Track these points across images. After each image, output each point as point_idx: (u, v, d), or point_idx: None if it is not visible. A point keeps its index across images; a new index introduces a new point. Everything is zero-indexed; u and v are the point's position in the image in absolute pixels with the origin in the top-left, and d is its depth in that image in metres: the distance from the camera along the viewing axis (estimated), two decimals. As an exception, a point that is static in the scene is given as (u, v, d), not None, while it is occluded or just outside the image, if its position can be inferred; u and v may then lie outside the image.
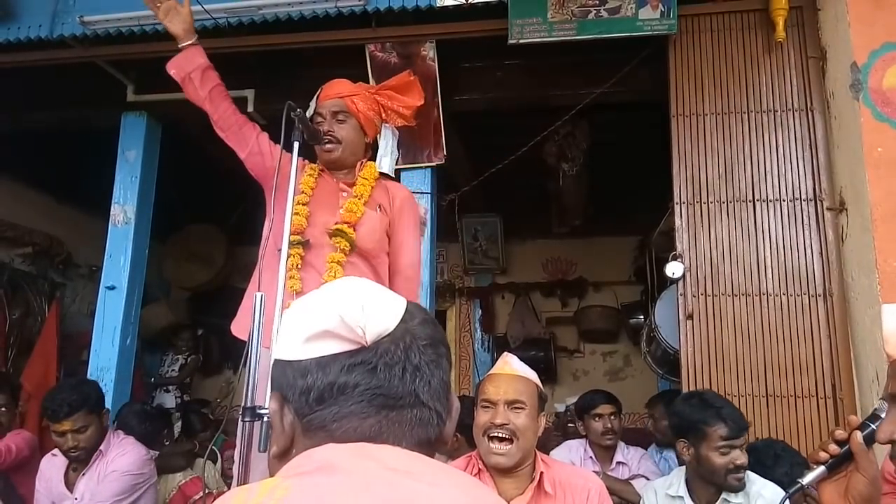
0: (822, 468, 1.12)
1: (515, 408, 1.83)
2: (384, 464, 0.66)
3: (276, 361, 0.79)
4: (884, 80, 2.79)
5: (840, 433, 1.11)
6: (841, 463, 1.10)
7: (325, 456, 0.67)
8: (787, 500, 1.19)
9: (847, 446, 1.09)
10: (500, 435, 1.81)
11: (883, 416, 1.08)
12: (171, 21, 2.31)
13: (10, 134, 4.30)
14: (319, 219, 2.18)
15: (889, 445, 1.07)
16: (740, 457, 2.17)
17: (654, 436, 3.76)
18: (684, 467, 2.39)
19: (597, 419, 3.34)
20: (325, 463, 0.66)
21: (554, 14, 3.02)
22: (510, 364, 1.94)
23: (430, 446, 0.75)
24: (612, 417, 3.34)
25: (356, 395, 0.72)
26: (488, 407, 1.86)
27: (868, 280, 2.67)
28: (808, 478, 1.14)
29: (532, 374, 1.93)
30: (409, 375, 0.74)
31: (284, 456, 0.75)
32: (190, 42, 2.30)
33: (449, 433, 0.79)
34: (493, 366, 5.79)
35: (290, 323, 0.79)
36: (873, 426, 1.08)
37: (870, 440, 1.08)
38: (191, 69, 2.26)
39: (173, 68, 2.30)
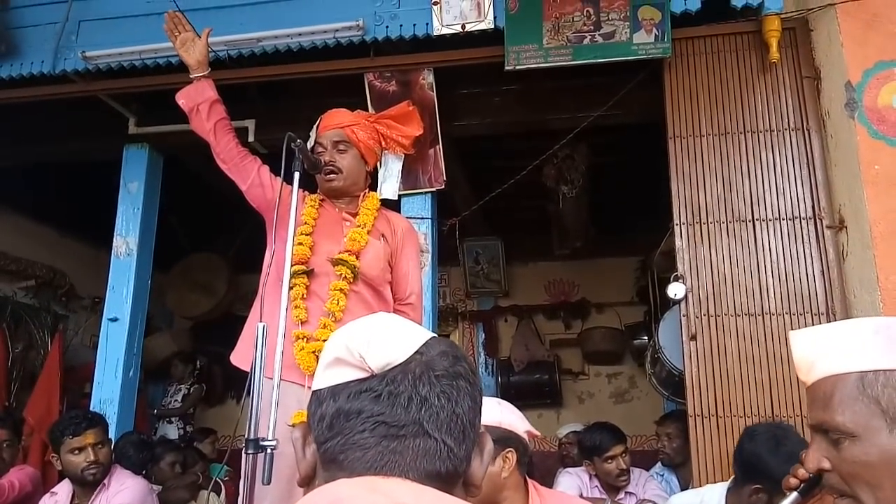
0: (794, 494, 1.10)
1: None
2: (393, 499, 0.66)
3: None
4: (878, 98, 2.82)
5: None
6: (812, 487, 1.08)
7: (335, 492, 0.67)
8: None
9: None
10: None
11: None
12: (186, 51, 2.35)
13: (14, 167, 4.34)
14: (323, 248, 2.20)
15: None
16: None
17: (666, 454, 3.63)
18: (724, 490, 2.24)
19: (610, 461, 3.20)
20: (335, 499, 0.66)
21: (549, 40, 3.06)
22: None
23: (444, 481, 0.73)
24: (624, 455, 3.21)
25: (359, 423, 0.72)
26: None
27: (870, 297, 2.67)
28: None
29: (485, 415, 1.81)
30: (416, 406, 0.73)
31: (307, 484, 0.77)
32: (202, 74, 2.34)
33: (477, 473, 0.77)
34: (497, 390, 5.76)
35: (321, 354, 0.81)
36: None
37: None
38: (200, 101, 2.30)
39: (183, 98, 2.34)
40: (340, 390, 0.74)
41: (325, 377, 0.77)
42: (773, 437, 2.10)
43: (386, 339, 0.76)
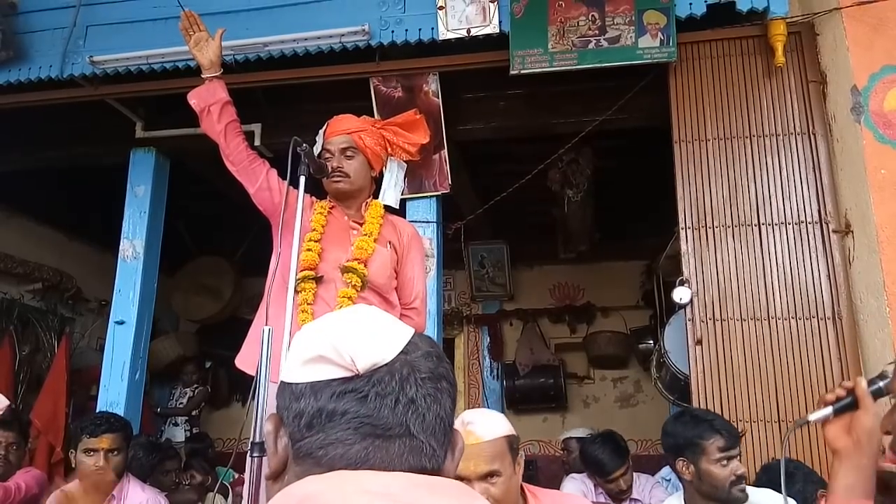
0: (829, 409, 1.21)
1: (490, 480, 1.66)
2: (361, 487, 0.65)
3: (280, 383, 0.79)
4: (884, 102, 2.81)
5: (847, 383, 1.22)
6: (846, 409, 1.20)
7: (303, 490, 0.66)
8: (793, 433, 1.28)
9: (852, 395, 1.20)
10: None
11: (890, 376, 1.20)
12: (199, 51, 2.35)
13: (21, 171, 4.36)
14: (331, 255, 2.21)
15: (888, 437, 1.19)
16: (739, 467, 2.17)
17: None
18: (681, 492, 2.36)
19: (611, 482, 3.20)
20: (304, 497, 0.65)
21: (554, 44, 3.06)
22: (474, 433, 1.69)
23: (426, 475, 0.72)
24: (626, 475, 3.21)
25: (343, 423, 0.71)
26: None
27: (877, 302, 2.66)
28: (814, 415, 1.23)
29: (498, 428, 1.73)
30: (402, 407, 0.72)
31: (277, 479, 0.75)
32: (214, 74, 2.34)
33: (449, 470, 0.77)
34: (502, 394, 5.71)
35: (295, 345, 0.79)
36: (881, 384, 1.20)
37: (876, 395, 1.20)
38: (212, 101, 2.29)
39: (194, 98, 2.33)
40: (322, 388, 0.72)
41: (304, 372, 0.74)
42: (675, 415, 2.38)
43: (373, 338, 0.75)
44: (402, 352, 0.75)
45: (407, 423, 0.71)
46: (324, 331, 0.76)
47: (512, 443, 1.75)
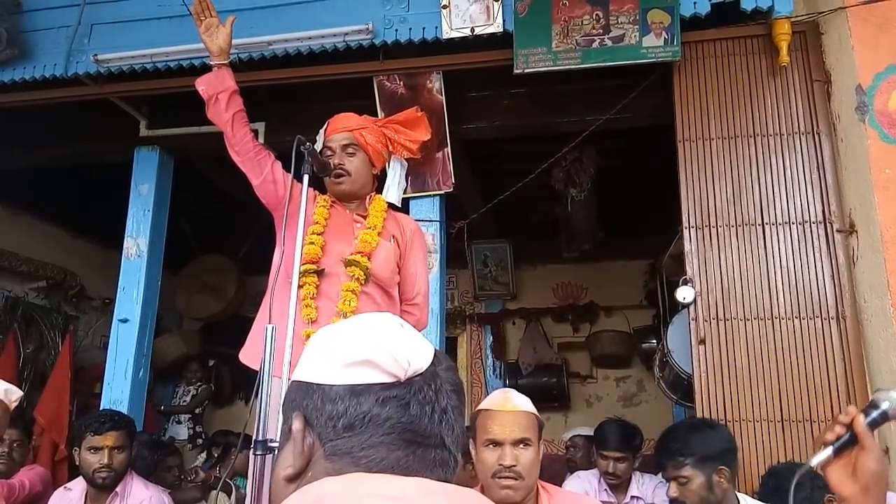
0: (829, 450, 1.14)
1: (522, 446, 1.81)
2: (376, 490, 0.66)
3: (301, 382, 0.78)
4: (889, 102, 2.81)
5: (844, 418, 1.15)
6: (846, 447, 1.13)
7: (320, 489, 0.67)
8: (796, 480, 1.22)
9: (850, 431, 1.12)
10: (508, 475, 1.79)
11: (882, 406, 1.13)
12: (210, 37, 2.33)
13: (26, 169, 4.38)
14: (334, 248, 2.21)
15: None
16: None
17: None
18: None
19: (604, 459, 3.29)
20: (319, 496, 0.66)
21: (558, 43, 3.06)
22: (512, 400, 1.89)
23: None
24: (618, 462, 3.27)
25: (387, 428, 0.72)
26: (493, 447, 1.83)
27: (881, 302, 2.65)
28: (816, 459, 1.16)
29: (531, 406, 1.91)
30: (438, 417, 0.74)
31: (297, 478, 0.75)
32: (223, 62, 2.33)
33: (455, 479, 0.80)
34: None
35: (324, 347, 0.78)
36: (874, 414, 1.13)
37: (873, 426, 1.13)
38: (220, 90, 2.28)
39: (203, 85, 2.31)
40: (363, 392, 0.73)
41: (344, 375, 0.75)
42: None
43: (416, 348, 0.77)
44: (431, 363, 0.77)
45: (441, 433, 0.74)
46: (368, 335, 0.77)
47: (540, 425, 1.90)
